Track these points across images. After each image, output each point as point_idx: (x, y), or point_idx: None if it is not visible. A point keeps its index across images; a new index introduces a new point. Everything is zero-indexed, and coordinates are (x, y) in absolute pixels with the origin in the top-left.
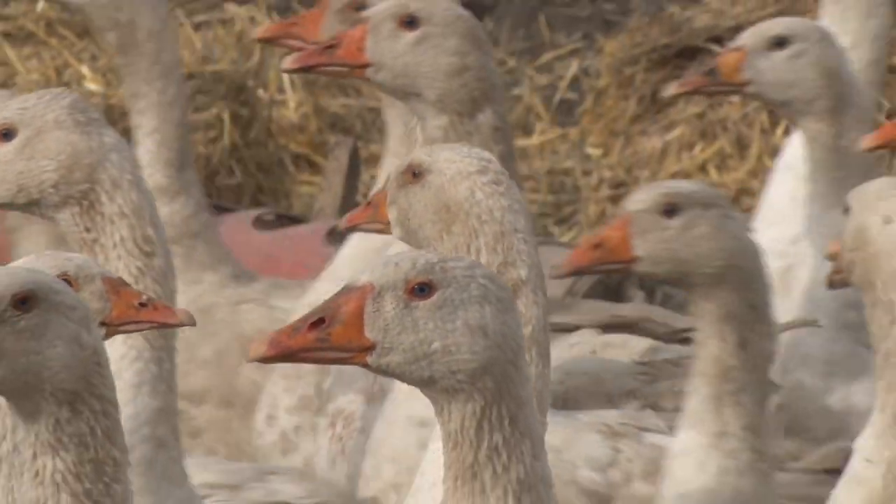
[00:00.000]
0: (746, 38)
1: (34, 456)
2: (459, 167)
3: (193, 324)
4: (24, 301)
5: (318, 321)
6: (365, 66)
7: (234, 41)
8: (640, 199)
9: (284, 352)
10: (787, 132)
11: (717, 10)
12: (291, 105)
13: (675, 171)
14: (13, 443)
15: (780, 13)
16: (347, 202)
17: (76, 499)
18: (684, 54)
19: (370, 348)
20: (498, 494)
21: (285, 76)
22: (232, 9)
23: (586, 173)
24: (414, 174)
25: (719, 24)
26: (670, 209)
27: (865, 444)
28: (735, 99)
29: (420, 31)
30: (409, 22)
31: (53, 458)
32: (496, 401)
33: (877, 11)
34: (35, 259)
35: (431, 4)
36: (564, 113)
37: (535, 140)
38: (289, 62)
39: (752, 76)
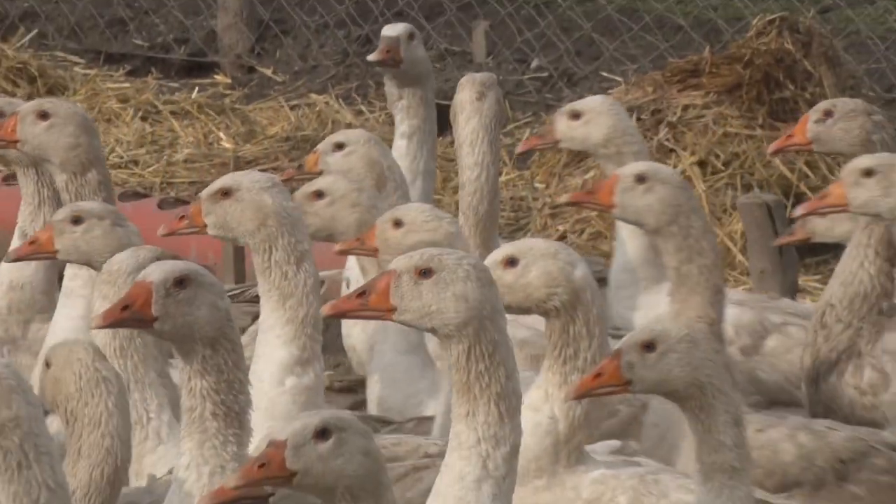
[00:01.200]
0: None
1: (189, 378)
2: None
3: None
4: (181, 281)
5: (362, 293)
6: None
7: (315, 116)
8: (627, 340)
9: (339, 312)
10: None
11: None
12: None
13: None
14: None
15: (654, 101)
16: None
17: (215, 406)
18: None
19: (393, 310)
20: (484, 401)
21: None
22: (314, 97)
23: (535, 199)
24: (224, 193)
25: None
26: (649, 345)
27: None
28: None
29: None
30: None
31: (201, 380)
32: (476, 343)
33: None
34: (135, 250)
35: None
36: (521, 162)
37: (503, 178)
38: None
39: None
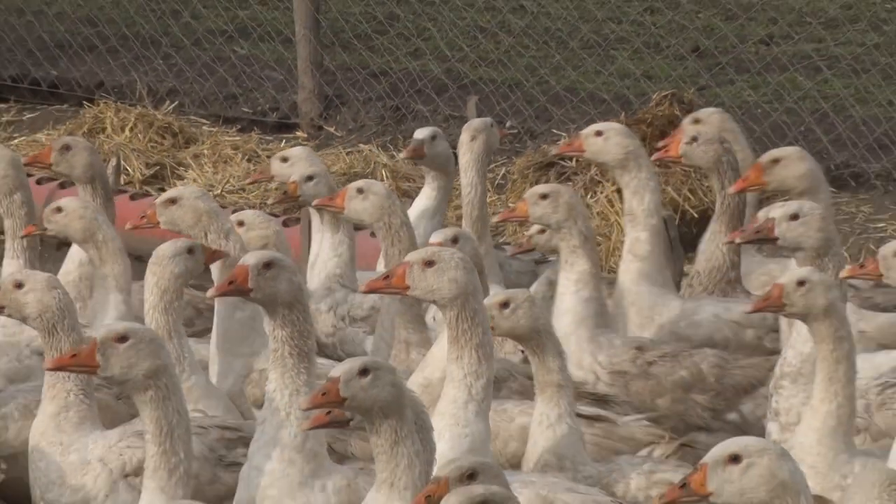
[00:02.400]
0: None
1: (273, 329)
2: None
3: None
4: (269, 265)
5: (386, 276)
6: None
7: (363, 160)
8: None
9: (371, 289)
10: None
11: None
12: None
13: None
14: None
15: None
16: None
17: (291, 348)
18: (549, 165)
19: (407, 288)
20: (468, 349)
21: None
22: (362, 146)
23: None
24: (171, 201)
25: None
26: (735, 458)
27: None
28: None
29: None
30: None
31: (281, 331)
32: (462, 310)
33: None
34: (174, 242)
35: None
36: (498, 189)
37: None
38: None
39: None
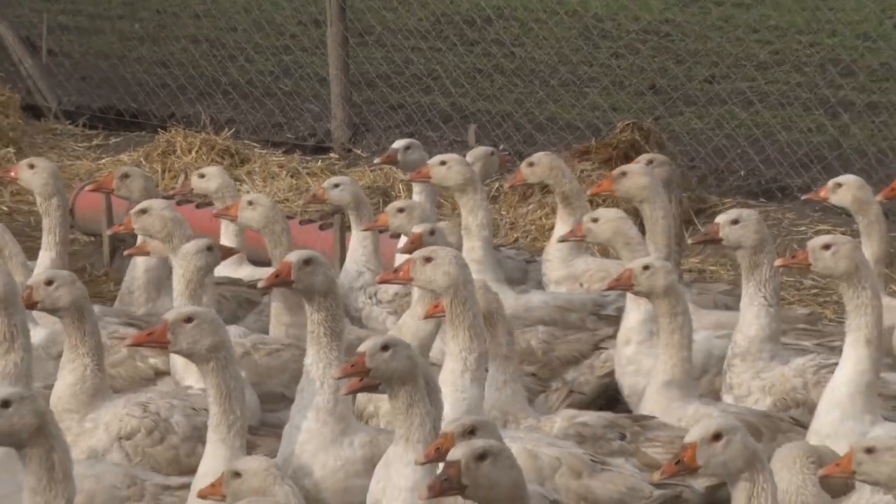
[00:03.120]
0: None
1: (311, 313)
2: None
3: None
4: (308, 262)
5: (395, 270)
6: None
7: (383, 176)
8: (696, 433)
9: (382, 280)
10: None
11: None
12: None
13: (532, 217)
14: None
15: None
16: None
17: (325, 329)
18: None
19: (412, 279)
20: (463, 330)
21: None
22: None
23: (501, 221)
24: (142, 211)
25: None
26: (717, 436)
27: None
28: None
29: None
30: None
31: (317, 314)
32: (455, 298)
33: None
34: (197, 241)
35: None
36: (493, 200)
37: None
38: None
39: None
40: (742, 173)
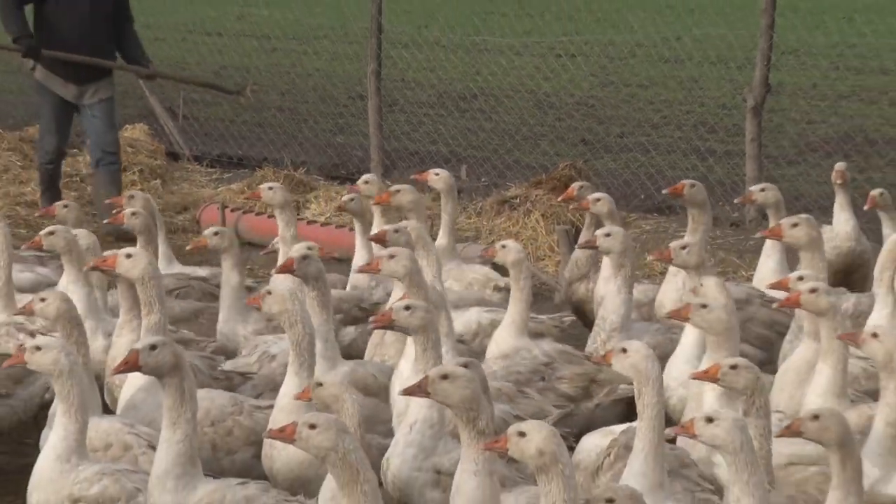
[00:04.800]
0: None
1: (308, 292)
2: None
3: None
4: (305, 257)
5: (370, 263)
6: None
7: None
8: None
9: (362, 270)
10: None
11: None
12: None
13: (504, 226)
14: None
15: (525, 193)
16: None
17: (318, 303)
18: (503, 202)
19: (380, 271)
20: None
21: None
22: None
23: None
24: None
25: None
26: (710, 419)
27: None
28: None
29: None
30: None
31: (311, 292)
32: (411, 283)
33: None
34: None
35: None
36: (478, 214)
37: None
38: None
39: None
40: (642, 197)
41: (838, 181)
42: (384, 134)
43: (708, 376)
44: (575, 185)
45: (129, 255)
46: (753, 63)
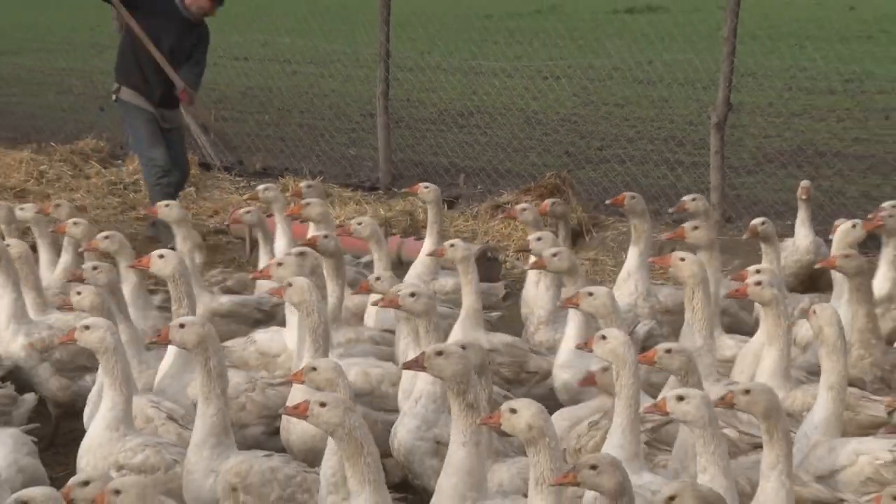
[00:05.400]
0: None
1: (328, 269)
2: None
3: None
4: (302, 252)
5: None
6: None
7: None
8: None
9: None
10: None
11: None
12: None
13: (498, 228)
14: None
15: (516, 199)
16: None
17: (338, 278)
18: (497, 207)
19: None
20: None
21: None
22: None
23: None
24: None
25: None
26: (680, 398)
27: None
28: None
29: None
30: None
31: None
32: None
33: None
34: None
35: None
36: (474, 218)
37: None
38: None
39: None
40: None
41: (803, 196)
42: (391, 147)
43: (647, 359)
44: (549, 202)
45: (161, 256)
46: (717, 84)
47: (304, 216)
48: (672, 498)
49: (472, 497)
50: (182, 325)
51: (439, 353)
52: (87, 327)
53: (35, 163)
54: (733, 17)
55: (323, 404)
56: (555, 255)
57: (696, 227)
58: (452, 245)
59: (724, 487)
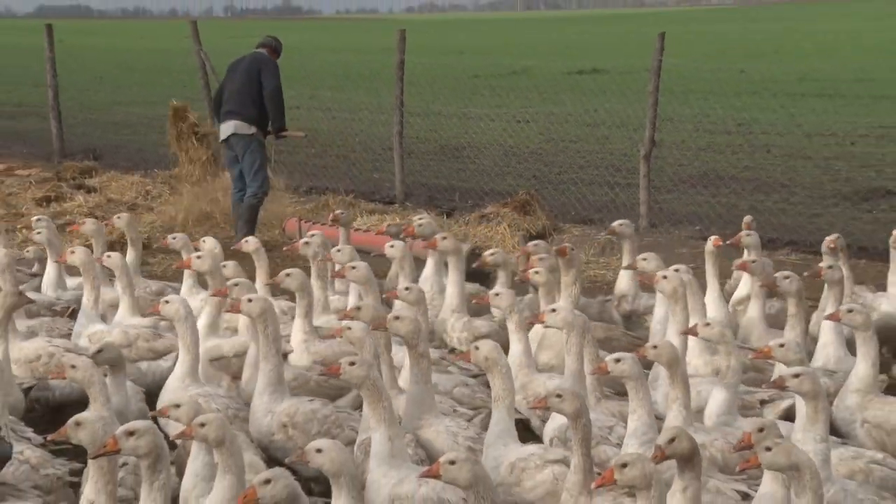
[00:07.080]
0: None
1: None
2: None
3: None
4: (306, 243)
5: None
6: None
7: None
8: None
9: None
10: None
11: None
12: None
13: (487, 234)
14: None
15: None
16: None
17: (322, 279)
18: (483, 217)
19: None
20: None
21: None
22: (424, 212)
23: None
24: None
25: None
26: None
27: None
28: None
29: None
30: None
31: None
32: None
33: None
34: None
35: None
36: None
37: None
38: None
39: None
40: (572, 213)
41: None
42: (405, 172)
43: (600, 370)
44: (530, 245)
45: (287, 274)
46: (644, 126)
47: (284, 286)
48: (672, 440)
49: (426, 418)
50: (249, 300)
51: (397, 319)
52: (167, 301)
53: (142, 184)
54: (656, 77)
55: (352, 363)
56: (537, 272)
57: (786, 277)
58: (444, 238)
59: (647, 424)
